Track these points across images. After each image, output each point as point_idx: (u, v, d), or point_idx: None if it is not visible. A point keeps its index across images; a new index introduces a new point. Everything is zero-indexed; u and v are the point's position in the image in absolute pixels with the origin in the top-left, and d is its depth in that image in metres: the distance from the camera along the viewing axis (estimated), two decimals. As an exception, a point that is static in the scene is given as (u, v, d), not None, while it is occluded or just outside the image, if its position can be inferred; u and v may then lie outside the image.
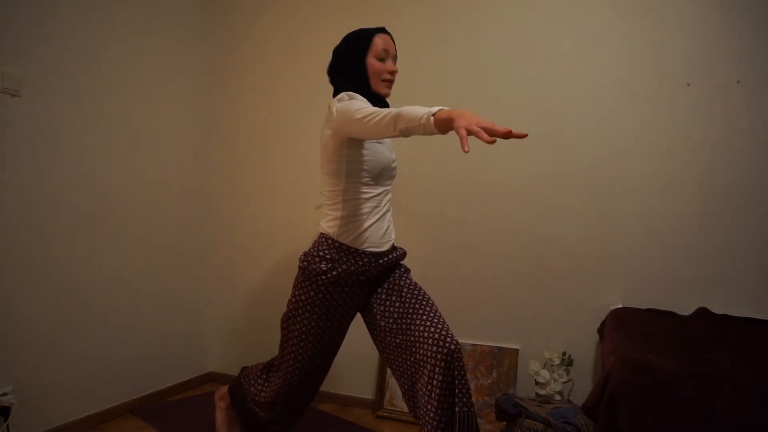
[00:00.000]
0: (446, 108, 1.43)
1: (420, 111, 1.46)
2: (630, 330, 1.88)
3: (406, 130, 1.49)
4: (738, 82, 2.21)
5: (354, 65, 1.82)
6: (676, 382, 1.46)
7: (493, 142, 1.27)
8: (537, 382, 2.25)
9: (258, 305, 2.98)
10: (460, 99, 2.59)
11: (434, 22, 2.64)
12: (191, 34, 2.87)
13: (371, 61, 1.82)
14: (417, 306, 1.76)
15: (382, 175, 1.82)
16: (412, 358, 1.70)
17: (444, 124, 1.41)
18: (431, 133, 1.45)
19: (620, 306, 2.27)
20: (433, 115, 1.43)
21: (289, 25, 2.91)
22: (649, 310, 2.20)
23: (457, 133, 1.32)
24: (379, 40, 1.82)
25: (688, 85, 2.27)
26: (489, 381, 2.47)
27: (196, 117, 2.93)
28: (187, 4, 2.84)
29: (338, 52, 1.88)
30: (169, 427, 2.37)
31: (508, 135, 1.29)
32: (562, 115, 2.44)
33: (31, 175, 2.11)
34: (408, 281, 1.86)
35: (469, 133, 1.31)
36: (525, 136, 1.31)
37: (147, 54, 2.59)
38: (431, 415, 1.60)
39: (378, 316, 1.82)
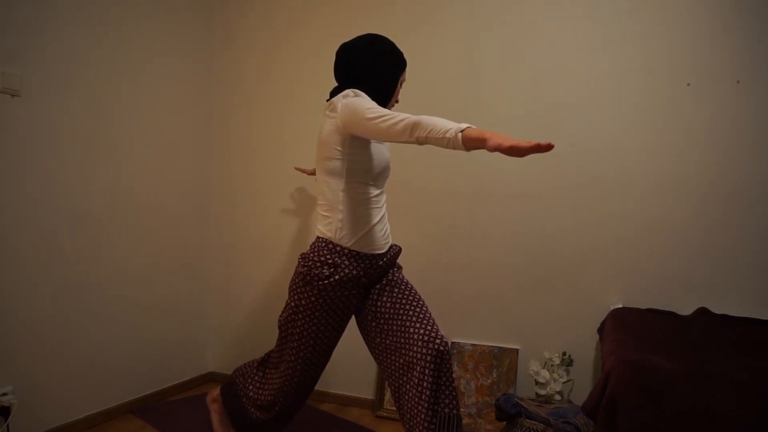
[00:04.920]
0: (474, 126, 1.42)
1: (445, 124, 1.45)
2: (630, 330, 1.88)
3: (425, 139, 1.48)
4: (738, 82, 2.21)
5: (389, 82, 1.82)
6: (676, 382, 1.46)
7: (546, 148, 1.28)
8: (537, 382, 2.25)
9: (258, 305, 2.98)
10: (458, 98, 2.59)
11: (432, 17, 2.64)
12: (192, 33, 2.87)
13: (398, 86, 1.87)
14: (407, 306, 1.76)
15: (382, 175, 1.81)
16: (402, 360, 1.69)
17: (473, 143, 1.40)
18: (454, 148, 1.45)
19: (620, 306, 2.27)
20: (461, 131, 1.41)
21: (293, 24, 2.91)
22: (649, 310, 2.20)
23: (500, 149, 1.33)
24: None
25: (688, 85, 2.27)
26: (489, 381, 2.47)
27: (196, 117, 2.93)
28: (188, 4, 2.84)
29: (376, 62, 1.80)
30: (169, 427, 2.38)
31: (538, 149, 1.31)
32: (562, 115, 2.44)
33: (30, 175, 2.11)
34: (399, 279, 1.85)
35: (514, 149, 1.32)
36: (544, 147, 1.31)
37: (147, 54, 2.59)
38: (422, 416, 1.60)
39: (369, 317, 1.81)
